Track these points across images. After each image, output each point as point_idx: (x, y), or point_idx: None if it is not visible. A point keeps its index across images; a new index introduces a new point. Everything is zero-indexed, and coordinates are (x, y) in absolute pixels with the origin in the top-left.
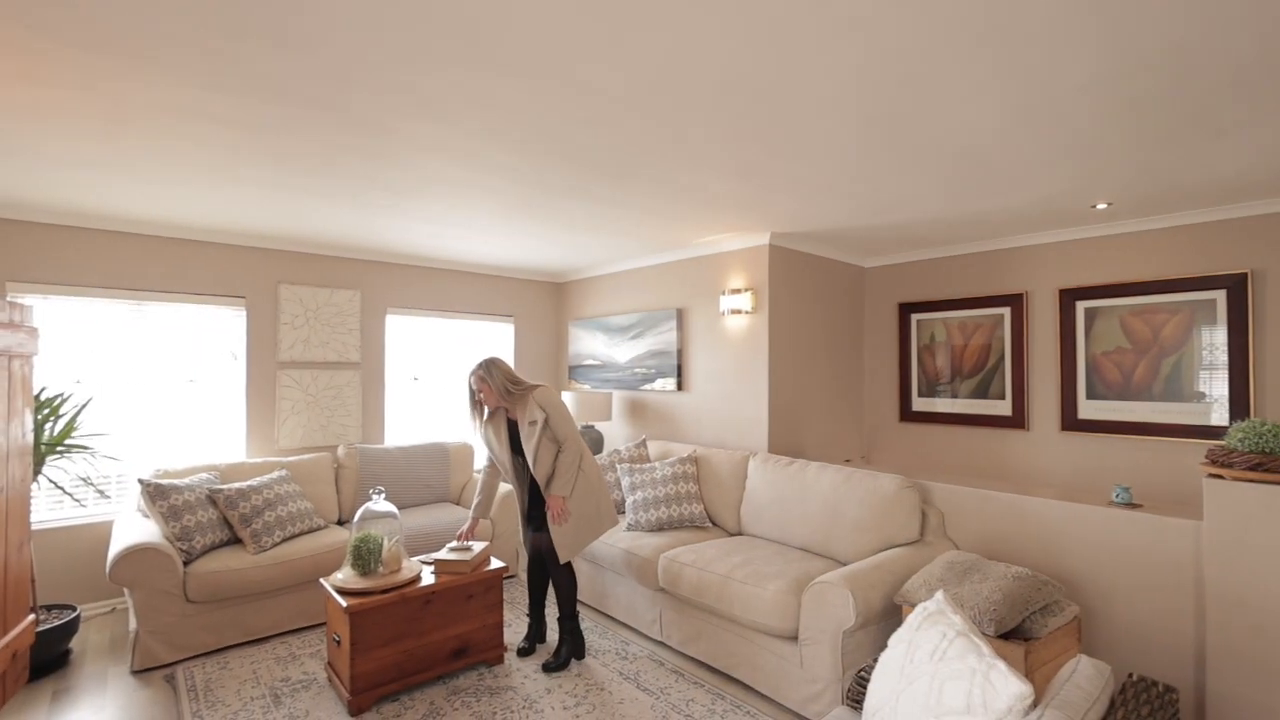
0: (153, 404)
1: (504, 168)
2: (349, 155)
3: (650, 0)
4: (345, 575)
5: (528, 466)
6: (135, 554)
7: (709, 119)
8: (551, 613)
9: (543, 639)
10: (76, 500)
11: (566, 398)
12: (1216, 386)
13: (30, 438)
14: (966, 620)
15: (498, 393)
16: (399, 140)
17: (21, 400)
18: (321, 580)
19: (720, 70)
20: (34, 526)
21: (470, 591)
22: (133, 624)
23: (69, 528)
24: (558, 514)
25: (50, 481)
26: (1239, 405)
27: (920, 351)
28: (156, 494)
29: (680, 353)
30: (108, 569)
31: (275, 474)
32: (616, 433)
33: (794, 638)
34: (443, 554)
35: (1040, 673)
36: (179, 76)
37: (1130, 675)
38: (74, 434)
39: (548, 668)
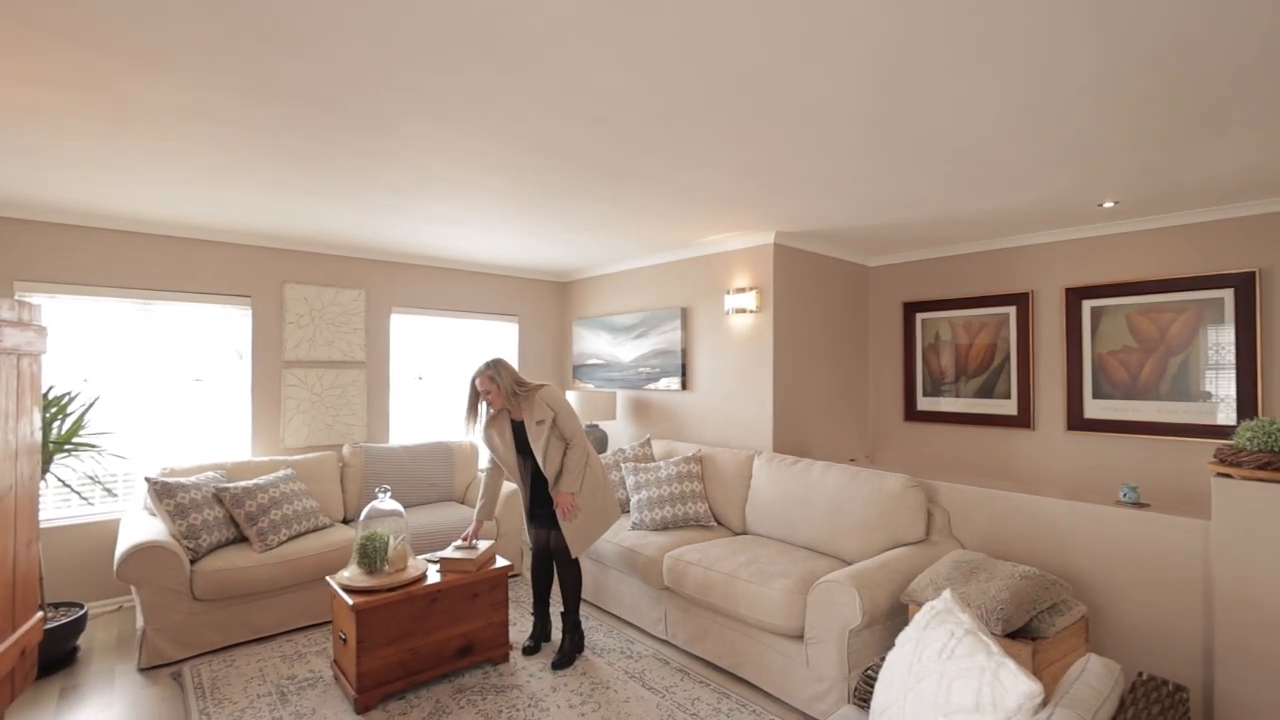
0: (159, 403)
1: (507, 167)
2: (354, 155)
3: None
4: (351, 573)
5: (532, 466)
6: (142, 552)
7: (712, 118)
8: (556, 610)
9: (548, 637)
10: (84, 498)
11: (570, 397)
12: (1224, 386)
13: (39, 436)
14: (975, 619)
15: (505, 394)
16: (403, 140)
17: (30, 398)
18: (328, 578)
19: (724, 69)
20: (42, 524)
21: (476, 590)
22: (140, 622)
23: (76, 526)
24: (568, 510)
25: (58, 480)
26: (1247, 404)
27: (925, 351)
28: (163, 492)
29: (684, 352)
30: (115, 567)
31: (281, 473)
32: (621, 432)
33: (800, 637)
34: (448, 552)
35: (1048, 672)
36: (184, 76)
37: (1140, 674)
38: (81, 432)
39: (556, 665)
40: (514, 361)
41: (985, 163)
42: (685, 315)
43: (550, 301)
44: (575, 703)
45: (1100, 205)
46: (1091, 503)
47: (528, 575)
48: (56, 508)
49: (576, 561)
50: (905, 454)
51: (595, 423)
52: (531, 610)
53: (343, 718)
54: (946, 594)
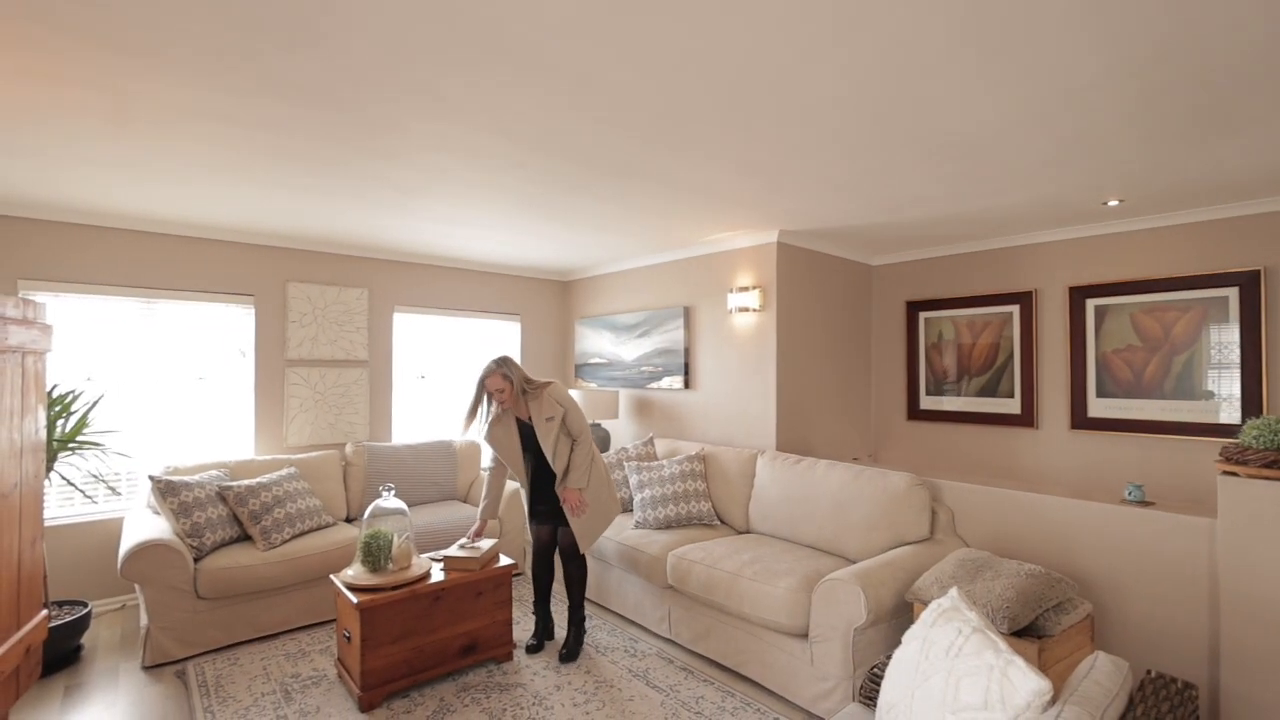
0: (163, 401)
1: (513, 166)
2: (360, 154)
3: None
4: (355, 572)
5: (535, 463)
6: (146, 550)
7: (716, 116)
8: (557, 608)
9: (551, 636)
10: (88, 497)
11: (573, 396)
12: (1228, 384)
13: (43, 434)
14: (982, 617)
15: (515, 392)
16: (409, 139)
17: (35, 397)
18: (332, 576)
19: (731, 66)
20: (45, 523)
21: (479, 588)
22: (144, 620)
23: (80, 524)
24: (576, 506)
25: (62, 478)
26: (1252, 403)
27: (928, 349)
28: (167, 490)
29: (687, 351)
30: (119, 565)
31: (284, 471)
32: (623, 431)
33: (804, 635)
34: (452, 551)
35: (1054, 670)
36: (192, 74)
37: (1149, 672)
38: (85, 431)
39: (564, 659)
40: (516, 360)
41: (989, 160)
42: (688, 314)
43: (553, 300)
44: (579, 701)
45: (1104, 203)
46: (1097, 501)
47: (530, 574)
48: (60, 506)
49: (583, 556)
50: (908, 453)
51: (598, 422)
52: (533, 609)
53: (347, 716)
54: (953, 592)
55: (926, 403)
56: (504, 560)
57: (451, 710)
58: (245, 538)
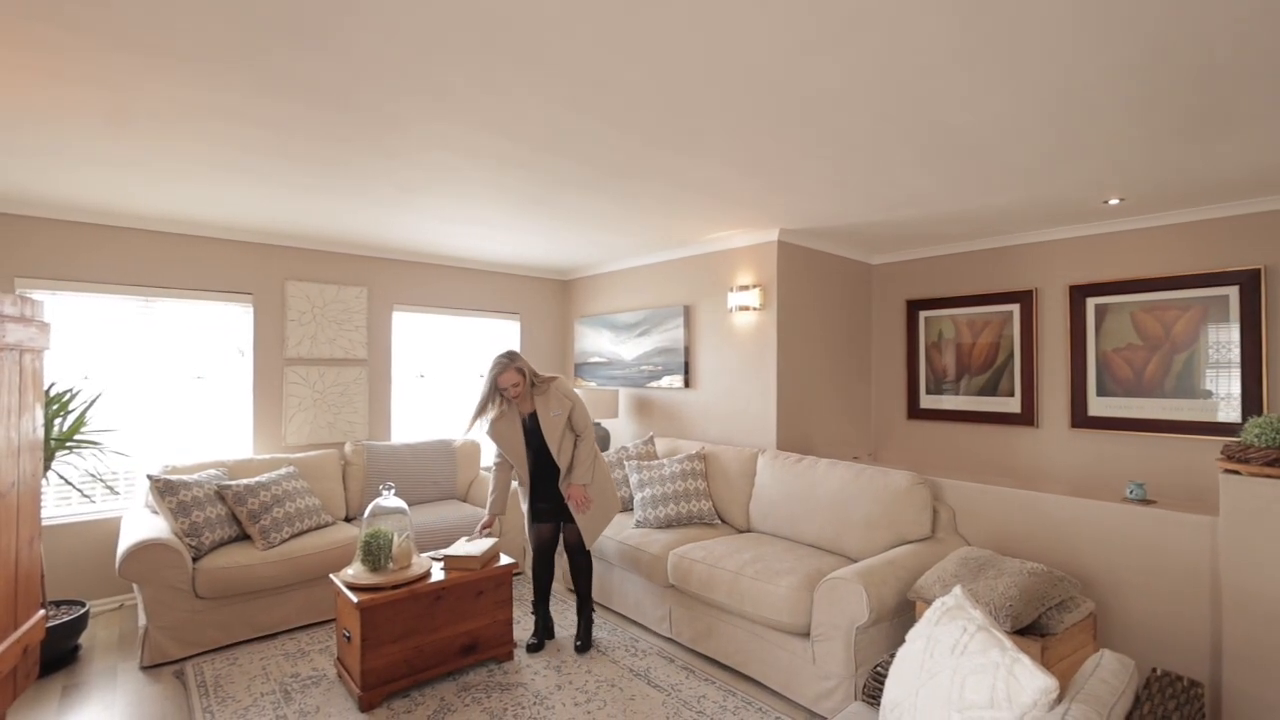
0: (161, 400)
1: (514, 164)
2: (360, 152)
3: None
4: (355, 571)
5: (538, 459)
6: (144, 550)
7: (720, 113)
8: (557, 607)
9: (551, 635)
10: (85, 496)
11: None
12: (1229, 383)
13: (41, 433)
14: (986, 615)
15: (527, 386)
16: (410, 137)
17: (32, 395)
18: (332, 576)
19: (733, 62)
20: (43, 522)
21: (480, 588)
22: (142, 620)
23: (78, 524)
24: (582, 502)
25: (59, 477)
26: (1252, 402)
27: (928, 348)
28: (165, 490)
29: (688, 350)
30: (117, 565)
31: (283, 470)
32: (623, 430)
33: (806, 634)
34: (452, 550)
35: (1057, 668)
36: (193, 71)
37: (1154, 670)
38: (83, 430)
39: (580, 649)
40: None
41: (992, 158)
42: (688, 313)
43: (552, 299)
44: (580, 700)
45: (1105, 202)
46: (1098, 500)
47: (529, 573)
48: (58, 505)
49: (588, 551)
50: (908, 452)
51: (598, 421)
52: (533, 608)
53: (347, 716)
54: (957, 590)
55: (927, 401)
56: (504, 559)
57: (452, 710)
58: (244, 537)
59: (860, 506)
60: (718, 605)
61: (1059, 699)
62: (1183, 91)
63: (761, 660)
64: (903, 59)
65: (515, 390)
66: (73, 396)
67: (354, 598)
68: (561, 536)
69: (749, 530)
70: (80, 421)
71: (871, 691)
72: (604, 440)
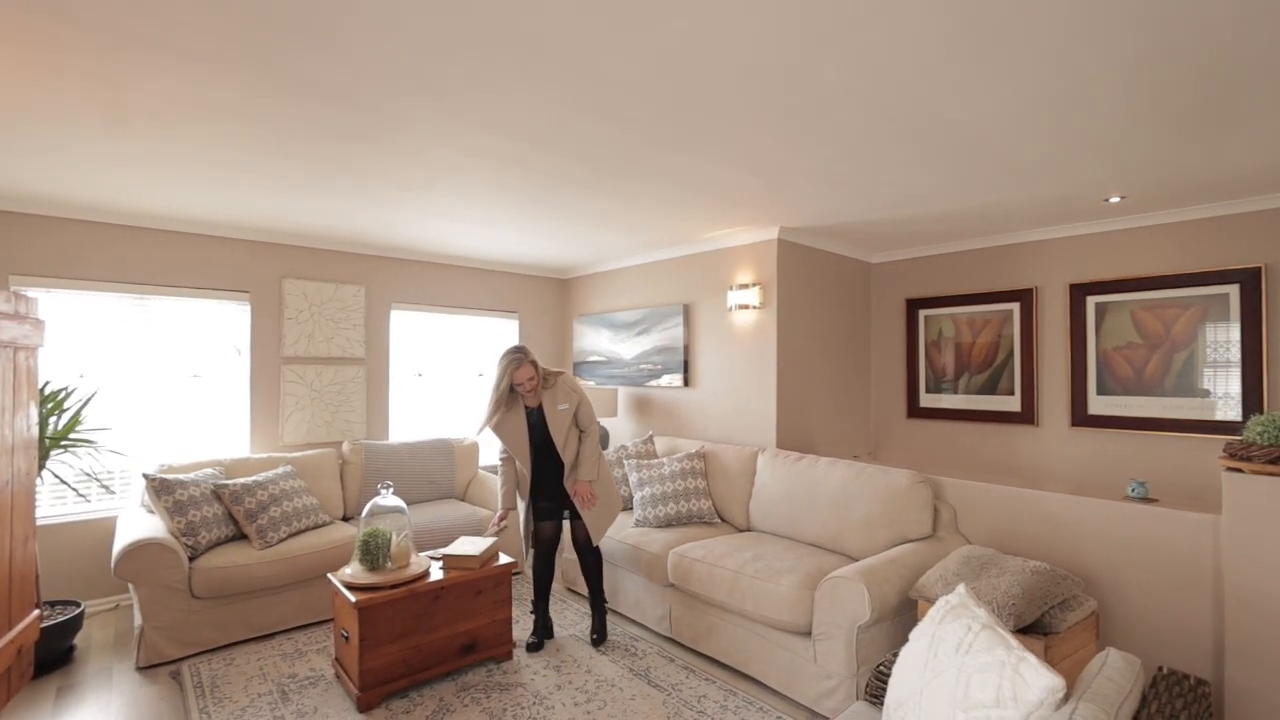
0: (157, 399)
1: (515, 162)
2: (359, 149)
3: None
4: (353, 570)
5: (544, 454)
6: (140, 549)
7: (724, 109)
8: (555, 607)
9: (550, 634)
10: (81, 495)
11: None
12: (1229, 381)
13: (35, 431)
14: (991, 613)
15: (539, 380)
16: (410, 134)
17: (26, 393)
18: (330, 575)
19: (737, 57)
20: (38, 522)
21: (479, 587)
22: (138, 620)
23: (73, 523)
24: (587, 498)
25: (54, 476)
26: (1252, 400)
27: (928, 347)
28: (161, 489)
29: (687, 348)
30: (113, 564)
31: (280, 470)
32: (622, 429)
33: (807, 633)
34: (451, 549)
35: (1060, 667)
36: (192, 67)
37: (1160, 668)
38: (78, 428)
39: (596, 643)
40: None
41: (995, 156)
42: (687, 311)
43: (551, 298)
44: (580, 700)
45: (1106, 200)
46: (1100, 498)
47: (529, 573)
48: (53, 505)
49: (597, 548)
50: (908, 451)
51: (597, 420)
52: (533, 608)
53: (345, 716)
54: (960, 588)
55: (926, 400)
56: (503, 559)
57: (451, 710)
58: (241, 536)
59: (861, 505)
60: (718, 604)
61: (1065, 698)
62: (1188, 87)
63: (762, 660)
64: (903, 56)
65: (530, 385)
66: (68, 395)
67: (352, 597)
68: (571, 536)
69: (749, 529)
70: (75, 420)
71: (874, 691)
72: (604, 439)
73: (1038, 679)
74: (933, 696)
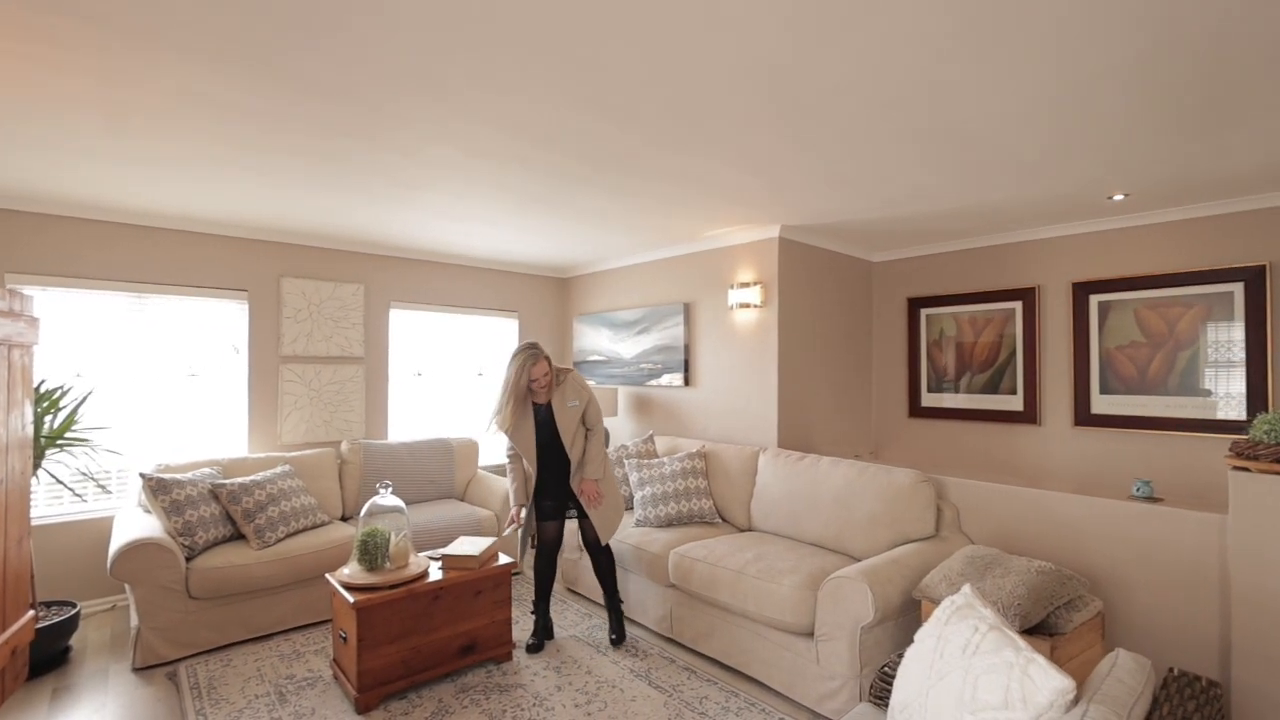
0: (154, 398)
1: (515, 160)
2: (358, 146)
3: None
4: (352, 571)
5: (550, 452)
6: (137, 549)
7: (726, 104)
8: (556, 608)
9: (551, 635)
10: (77, 495)
11: None
12: (1234, 380)
13: (30, 430)
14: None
15: (554, 377)
16: (411, 132)
17: (21, 391)
18: (328, 576)
19: (740, 50)
20: (33, 521)
21: (479, 587)
22: (134, 621)
23: (69, 523)
24: (594, 497)
25: (50, 475)
26: (1257, 399)
27: (930, 346)
28: (158, 488)
29: (687, 348)
30: (109, 565)
31: (278, 469)
32: (622, 429)
33: (810, 634)
34: (451, 549)
35: (1066, 669)
36: (190, 61)
37: (1172, 669)
38: (74, 427)
39: (615, 643)
40: None
41: (998, 152)
42: (688, 310)
43: (551, 298)
44: (581, 702)
45: (1110, 198)
46: (1105, 498)
47: (529, 573)
48: (49, 505)
49: (608, 547)
50: (910, 450)
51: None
52: (533, 608)
53: (343, 718)
54: (966, 589)
55: (928, 400)
56: (503, 559)
57: (450, 712)
58: (238, 536)
59: (863, 505)
60: (720, 605)
61: (1075, 700)
62: (1188, 85)
63: (764, 660)
64: (904, 52)
65: (544, 381)
66: (64, 393)
67: (350, 597)
68: (581, 536)
69: (750, 529)
70: (71, 419)
71: (879, 692)
72: (605, 438)
73: (1047, 680)
74: (939, 698)
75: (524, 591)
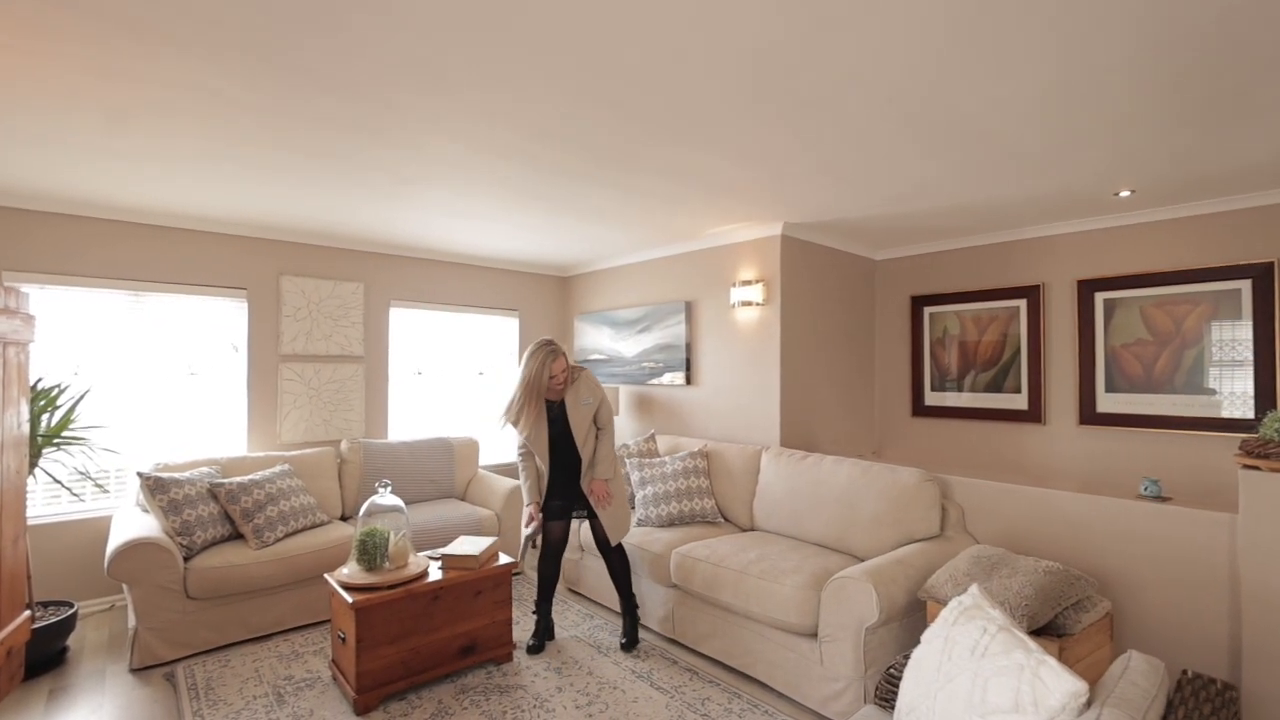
0: (152, 397)
1: (516, 154)
2: (359, 141)
3: None
4: (350, 570)
5: (560, 450)
6: (134, 549)
7: (729, 96)
8: (557, 608)
9: (552, 636)
10: (74, 494)
11: None
12: (1242, 378)
13: (25, 428)
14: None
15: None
16: (410, 125)
17: (16, 389)
18: (326, 575)
19: (743, 41)
20: (31, 521)
21: (479, 588)
22: (132, 621)
23: (66, 523)
24: (603, 498)
25: (47, 475)
26: (1265, 396)
27: (933, 345)
28: (156, 488)
29: (689, 346)
30: (106, 564)
31: (277, 468)
32: (624, 427)
33: (813, 634)
34: (450, 549)
35: (1074, 670)
36: (188, 54)
37: (1185, 672)
38: (71, 426)
39: (625, 647)
40: (515, 357)
41: (1005, 147)
42: (690, 309)
43: (551, 296)
44: (582, 703)
45: (1116, 194)
46: (1113, 497)
47: (529, 573)
48: (47, 504)
49: (619, 547)
50: (913, 449)
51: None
52: (533, 610)
53: (342, 719)
54: (974, 589)
55: (931, 399)
56: (503, 559)
57: (450, 713)
58: (237, 536)
59: (867, 504)
60: (722, 605)
61: (1087, 703)
62: (1198, 77)
63: (767, 661)
64: (908, 43)
65: (562, 378)
66: (60, 392)
67: (349, 598)
68: (593, 538)
69: (752, 529)
70: (68, 418)
71: (884, 694)
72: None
73: (1059, 683)
74: (947, 701)
75: (524, 592)
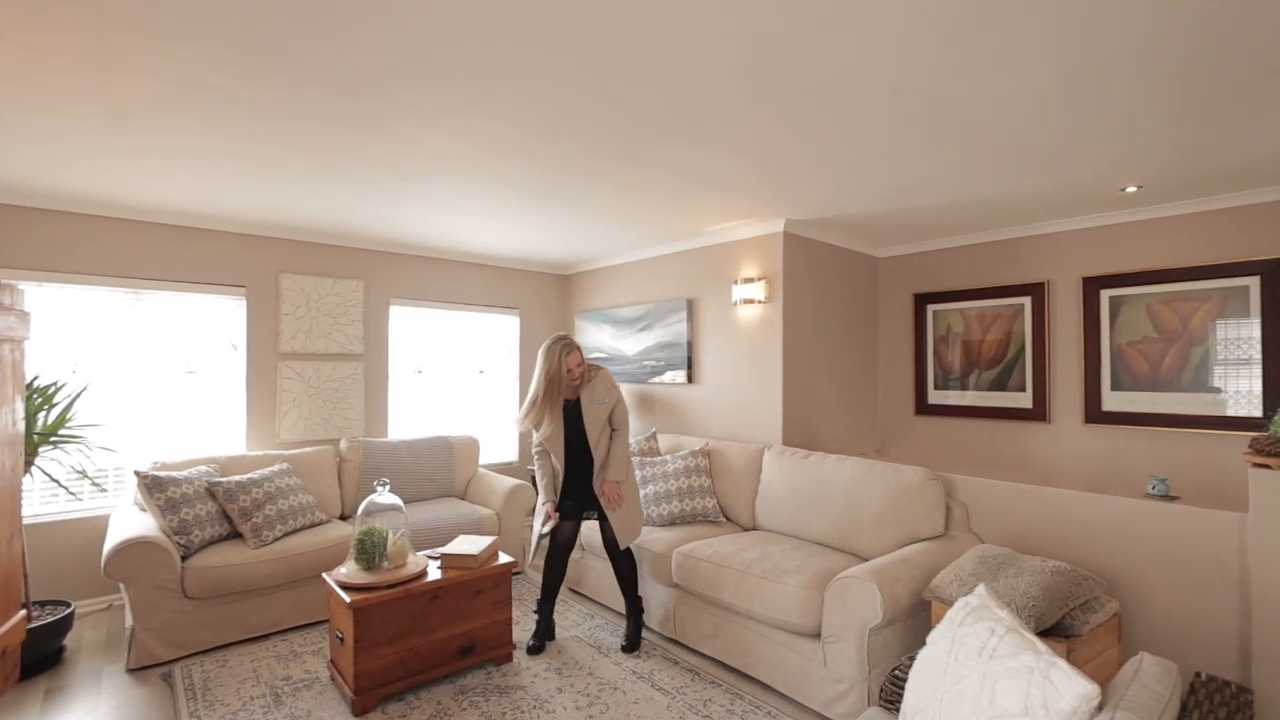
0: (150, 395)
1: (516, 150)
2: (358, 137)
3: None
4: (349, 570)
5: (573, 449)
6: (131, 548)
7: (730, 91)
8: (557, 609)
9: (552, 636)
10: (71, 493)
11: None
12: (1251, 376)
13: (21, 426)
14: (1015, 615)
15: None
16: (410, 120)
17: (11, 386)
18: (325, 575)
19: (744, 33)
20: (27, 520)
21: (478, 587)
22: (129, 620)
23: (63, 521)
24: (614, 499)
25: (44, 473)
26: (1273, 394)
27: (936, 343)
28: (154, 486)
29: (691, 344)
30: (103, 564)
31: (276, 467)
32: None
33: (816, 635)
34: (450, 548)
35: (1083, 672)
36: (186, 48)
37: (1199, 674)
38: (68, 424)
39: (626, 649)
40: (515, 356)
41: (1012, 141)
42: (691, 307)
43: (552, 294)
44: (582, 704)
45: (1122, 190)
46: (1120, 496)
47: (530, 573)
48: (44, 503)
49: (629, 551)
50: (916, 448)
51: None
52: (535, 609)
53: None
54: (980, 589)
55: (934, 397)
56: (503, 558)
57: (449, 714)
58: (235, 535)
59: (871, 503)
60: (724, 605)
61: (1099, 707)
62: (1220, 64)
63: (770, 662)
64: (928, 29)
65: (578, 373)
66: (57, 389)
67: (347, 597)
68: (602, 539)
69: (754, 528)
70: (65, 416)
71: (889, 696)
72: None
73: (1070, 686)
74: (954, 704)
75: (524, 591)
